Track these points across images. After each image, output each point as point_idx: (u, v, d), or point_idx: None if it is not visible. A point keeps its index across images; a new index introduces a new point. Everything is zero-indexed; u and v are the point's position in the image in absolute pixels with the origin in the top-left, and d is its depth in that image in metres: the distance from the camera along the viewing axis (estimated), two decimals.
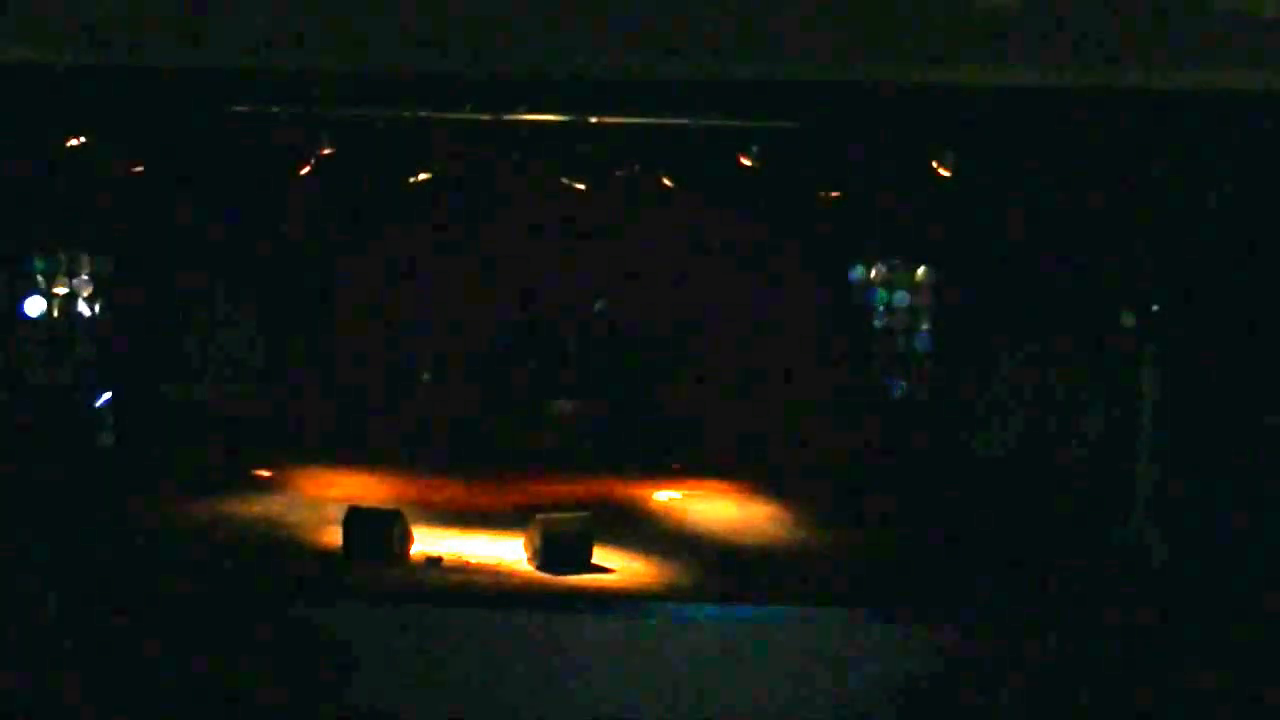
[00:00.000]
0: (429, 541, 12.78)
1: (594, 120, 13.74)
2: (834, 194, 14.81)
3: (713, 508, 14.73)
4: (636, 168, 14.98)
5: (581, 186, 15.09)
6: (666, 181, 15.25)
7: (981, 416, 15.67)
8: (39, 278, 15.91)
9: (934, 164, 13.80)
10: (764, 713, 10.60)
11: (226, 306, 16.40)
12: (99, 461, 15.46)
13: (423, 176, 15.07)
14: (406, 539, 12.54)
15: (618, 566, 12.37)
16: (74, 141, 13.58)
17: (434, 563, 12.36)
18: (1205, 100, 11.45)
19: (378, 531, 12.35)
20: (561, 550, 12.22)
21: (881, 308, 16.77)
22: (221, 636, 10.56)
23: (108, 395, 15.83)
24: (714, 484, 15.54)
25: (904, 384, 16.71)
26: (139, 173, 14.71)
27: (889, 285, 16.78)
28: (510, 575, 12.17)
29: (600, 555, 12.41)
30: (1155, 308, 13.69)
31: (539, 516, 12.49)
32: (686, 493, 15.21)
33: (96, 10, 10.64)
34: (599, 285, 16.75)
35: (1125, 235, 14.00)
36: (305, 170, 14.64)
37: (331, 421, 16.38)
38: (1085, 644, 10.74)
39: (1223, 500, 12.74)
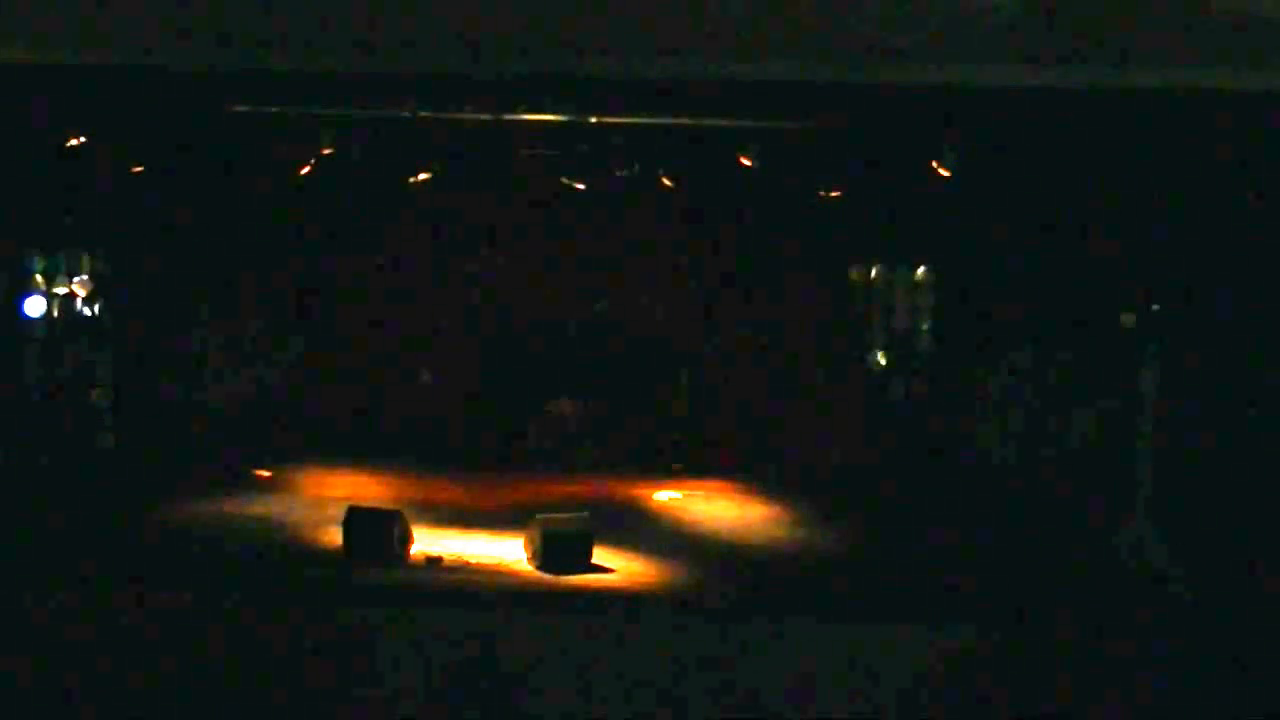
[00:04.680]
0: (429, 541, 12.79)
1: (594, 120, 13.75)
2: (834, 194, 14.80)
3: (713, 508, 14.74)
4: (636, 168, 14.98)
5: (581, 186, 15.09)
6: (666, 181, 15.24)
7: (981, 417, 15.67)
8: (39, 278, 15.89)
9: (934, 164, 13.79)
10: (764, 713, 10.60)
11: (226, 306, 16.39)
12: (99, 461, 15.45)
13: (423, 176, 15.07)
14: (406, 539, 12.55)
15: (618, 566, 12.38)
16: (74, 141, 13.57)
17: (434, 563, 12.36)
18: (1205, 100, 11.45)
19: (378, 531, 12.36)
20: (561, 550, 12.23)
21: (882, 307, 16.75)
22: (222, 636, 10.56)
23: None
24: (714, 484, 15.54)
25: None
26: (139, 173, 14.70)
27: (889, 285, 16.77)
28: (510, 575, 12.17)
29: (600, 555, 12.41)
30: (1155, 308, 13.69)
31: (539, 516, 12.50)
32: (686, 493, 15.21)
33: (96, 10, 10.64)
34: (599, 285, 16.75)
35: (1125, 235, 13.99)
36: (305, 170, 14.64)
37: (332, 421, 16.37)
38: (1085, 645, 10.74)
39: (1223, 500, 12.74)
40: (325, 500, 14.03)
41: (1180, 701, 10.49)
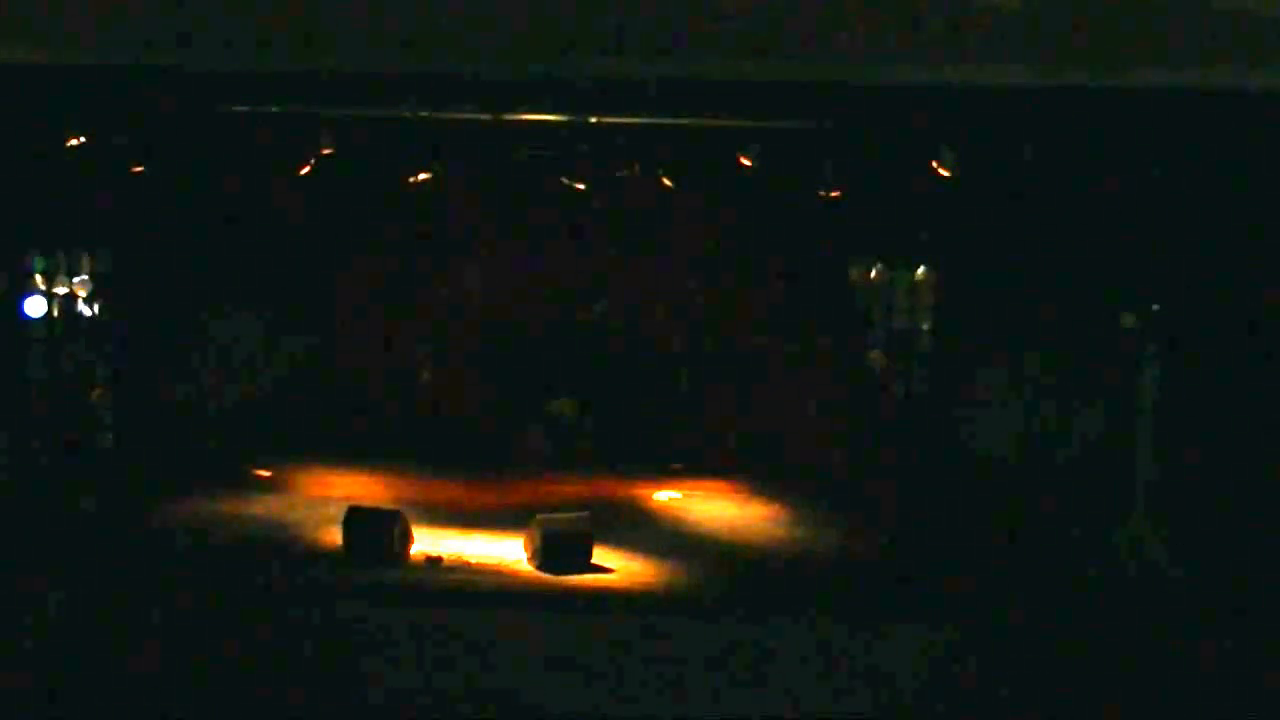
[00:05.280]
0: (429, 541, 12.79)
1: (594, 120, 13.74)
2: (834, 194, 14.79)
3: (713, 508, 14.74)
4: (636, 168, 14.97)
5: (581, 186, 15.08)
6: (666, 181, 15.24)
7: (982, 417, 15.66)
8: (39, 278, 15.88)
9: (934, 164, 13.79)
10: (763, 713, 10.61)
11: (226, 306, 16.39)
12: (99, 461, 15.44)
13: (423, 176, 15.06)
14: (406, 539, 12.55)
15: (618, 566, 12.38)
16: (74, 141, 13.57)
17: (434, 563, 12.37)
18: (1205, 100, 11.45)
19: (378, 531, 12.36)
20: (561, 550, 12.23)
21: (882, 307, 16.75)
22: (222, 636, 10.56)
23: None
24: (714, 484, 15.54)
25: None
26: (139, 173, 14.69)
27: (889, 285, 16.76)
28: (510, 575, 12.18)
29: (600, 555, 12.41)
30: (1155, 308, 13.69)
31: (539, 516, 12.50)
32: (686, 493, 15.21)
33: (96, 10, 10.64)
34: (599, 285, 16.75)
35: (1125, 235, 13.99)
36: (305, 170, 14.63)
37: (332, 421, 16.37)
38: (1085, 645, 10.74)
39: (1223, 500, 12.74)
40: (325, 500, 14.03)
41: (1180, 701, 10.49)
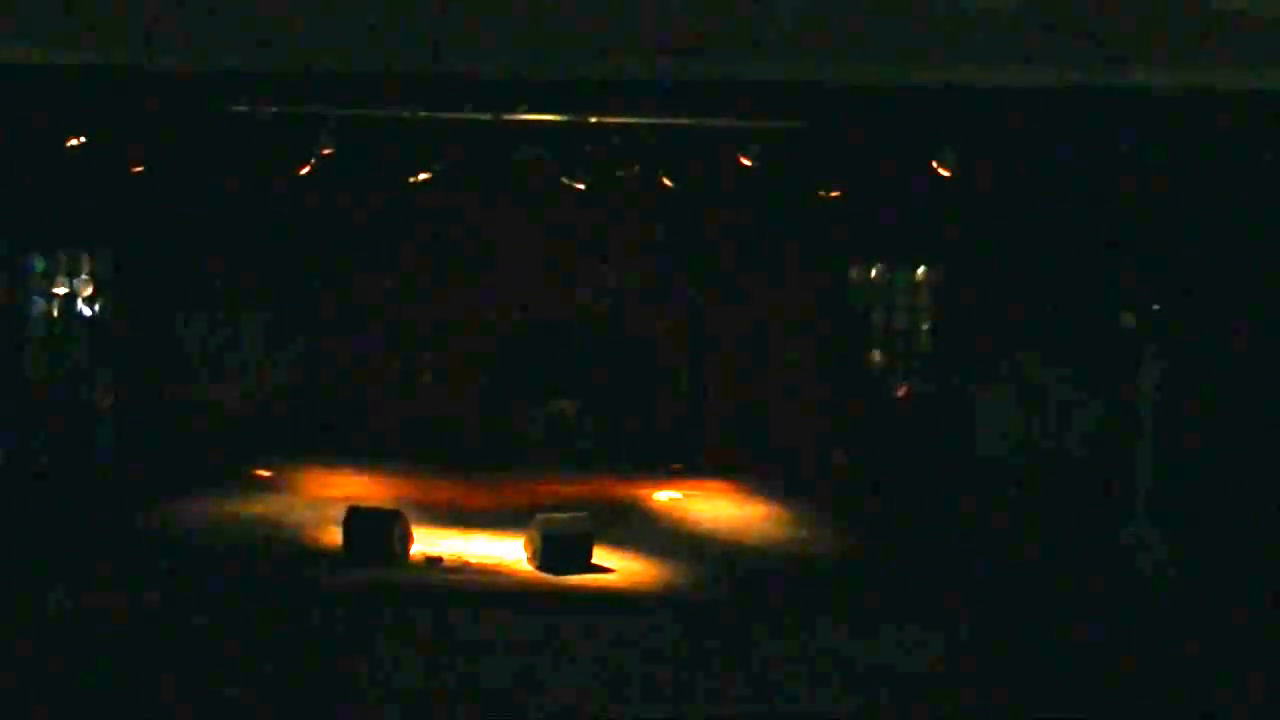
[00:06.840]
0: (429, 541, 12.79)
1: (594, 120, 13.75)
2: (834, 194, 14.79)
3: (713, 508, 14.74)
4: (636, 168, 14.97)
5: (581, 186, 15.08)
6: (666, 181, 15.24)
7: (981, 416, 15.66)
8: (39, 278, 15.88)
9: (934, 164, 13.80)
10: (762, 713, 10.60)
11: (226, 306, 16.38)
12: (99, 461, 15.44)
13: (423, 176, 15.06)
14: (406, 539, 12.55)
15: (618, 566, 12.38)
16: (74, 141, 13.57)
17: (434, 563, 12.37)
18: (1205, 100, 11.46)
19: (378, 531, 12.36)
20: (561, 550, 12.23)
21: (882, 308, 16.75)
22: (221, 637, 10.56)
23: None
24: (714, 484, 15.54)
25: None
26: (139, 173, 14.69)
27: (889, 285, 16.77)
28: (510, 575, 12.18)
29: (600, 555, 12.41)
30: (1155, 308, 13.69)
31: (539, 516, 12.50)
32: (686, 493, 15.21)
33: (96, 10, 10.64)
34: (598, 285, 16.74)
35: (1125, 235, 13.99)
36: (305, 170, 14.64)
37: (332, 421, 16.37)
38: (1085, 644, 10.74)
39: (1223, 500, 12.74)
40: (325, 500, 14.03)
41: (1179, 701, 10.49)
